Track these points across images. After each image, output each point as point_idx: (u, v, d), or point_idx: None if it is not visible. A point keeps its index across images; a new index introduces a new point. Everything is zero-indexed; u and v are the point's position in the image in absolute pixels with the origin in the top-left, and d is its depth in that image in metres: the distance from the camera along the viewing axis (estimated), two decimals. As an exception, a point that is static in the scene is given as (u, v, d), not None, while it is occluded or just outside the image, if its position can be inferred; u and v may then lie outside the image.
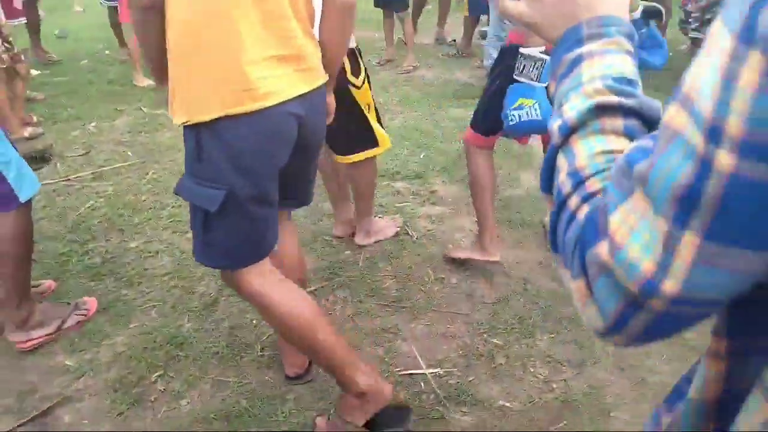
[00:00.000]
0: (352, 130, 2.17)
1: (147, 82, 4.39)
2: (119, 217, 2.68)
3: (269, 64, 1.24)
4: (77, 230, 2.58)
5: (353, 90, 2.14)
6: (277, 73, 1.25)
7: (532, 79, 1.81)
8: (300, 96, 1.29)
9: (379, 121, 2.28)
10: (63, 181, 3.06)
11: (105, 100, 4.19)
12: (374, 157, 2.29)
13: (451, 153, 3.23)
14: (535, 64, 1.79)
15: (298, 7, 1.29)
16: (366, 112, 2.18)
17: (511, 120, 1.88)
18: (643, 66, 1.97)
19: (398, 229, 2.55)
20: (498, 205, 2.72)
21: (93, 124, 3.80)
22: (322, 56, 1.38)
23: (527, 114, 1.84)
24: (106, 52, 5.44)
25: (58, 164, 3.23)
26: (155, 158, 3.29)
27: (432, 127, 3.62)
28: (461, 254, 2.27)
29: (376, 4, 4.77)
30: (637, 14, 1.83)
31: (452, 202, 2.79)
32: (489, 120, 2.05)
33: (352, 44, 2.07)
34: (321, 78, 1.38)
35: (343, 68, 2.07)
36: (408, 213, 2.69)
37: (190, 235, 2.49)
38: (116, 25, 5.21)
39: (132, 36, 4.27)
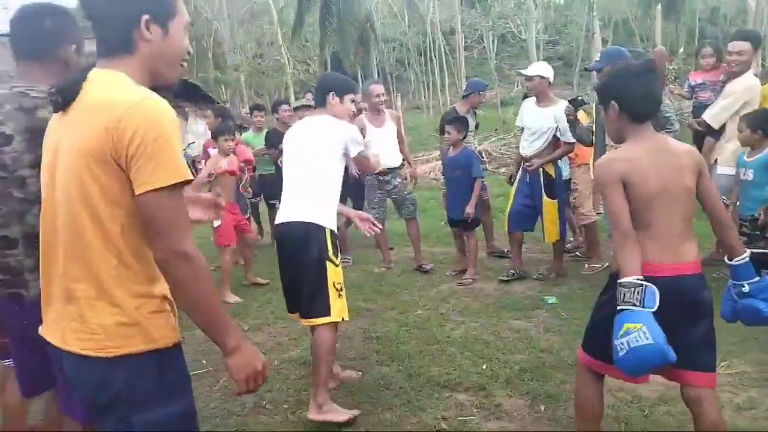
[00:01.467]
0: (314, 297, 2.68)
1: (234, 298, 4.71)
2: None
3: None
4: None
5: (330, 265, 2.68)
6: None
7: (635, 305, 1.77)
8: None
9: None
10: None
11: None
12: (332, 326, 2.71)
13: (514, 365, 3.21)
14: (635, 289, 1.79)
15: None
16: (331, 287, 2.67)
17: (621, 350, 1.76)
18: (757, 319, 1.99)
19: (350, 417, 2.65)
20: (567, 421, 2.62)
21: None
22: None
23: (636, 339, 1.72)
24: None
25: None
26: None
27: (493, 338, 3.66)
28: None
29: (450, 224, 5.28)
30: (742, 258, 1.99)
31: (519, 417, 2.70)
32: (597, 343, 2.03)
33: (329, 224, 2.72)
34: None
35: (327, 247, 2.68)
36: (473, 428, 2.62)
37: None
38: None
39: (226, 256, 4.82)
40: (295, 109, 6.26)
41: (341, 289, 2.72)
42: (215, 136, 5.11)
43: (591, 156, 4.58)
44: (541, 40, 25.74)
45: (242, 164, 5.23)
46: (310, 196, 2.77)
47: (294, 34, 22.40)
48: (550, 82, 4.70)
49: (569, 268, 5.04)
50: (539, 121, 4.65)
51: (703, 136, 4.48)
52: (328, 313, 2.67)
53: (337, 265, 2.72)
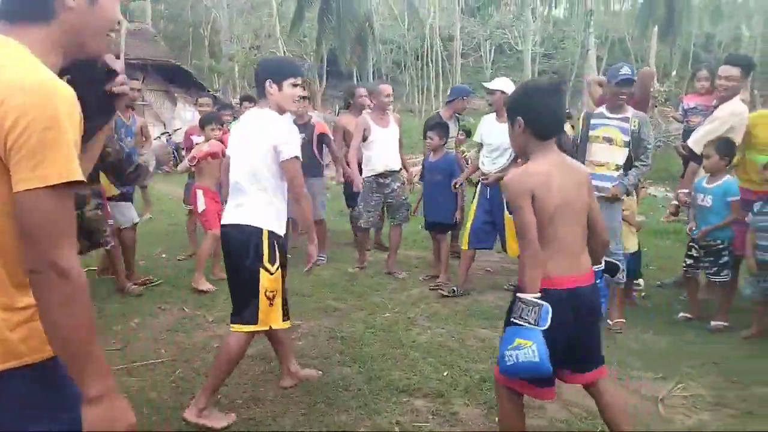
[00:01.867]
0: (244, 304, 2.61)
1: (207, 286, 4.64)
2: (138, 415, 2.69)
3: None
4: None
5: (264, 273, 2.59)
6: None
7: (529, 323, 1.90)
8: None
9: (285, 308, 2.72)
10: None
11: (152, 298, 4.47)
12: (248, 336, 2.67)
13: (475, 374, 3.20)
14: (533, 308, 1.90)
15: None
16: (263, 295, 2.59)
17: (508, 360, 1.91)
18: None
19: (228, 423, 2.63)
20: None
21: (136, 320, 4.02)
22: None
23: (524, 354, 1.87)
24: (163, 255, 5.94)
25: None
26: (185, 358, 3.39)
27: (458, 345, 3.65)
28: None
29: (428, 228, 5.28)
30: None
31: (473, 426, 2.69)
32: None
33: (267, 226, 2.61)
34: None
35: (261, 252, 2.57)
36: (426, 434, 2.60)
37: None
38: (192, 230, 5.84)
39: (207, 242, 4.76)
40: (242, 100, 6.25)
41: (273, 297, 2.63)
42: (202, 125, 5.03)
43: None
44: (537, 53, 25.94)
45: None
46: (246, 198, 2.67)
47: (292, 28, 22.33)
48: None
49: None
50: (501, 137, 4.45)
51: (687, 160, 4.52)
52: (255, 321, 2.62)
53: (272, 273, 2.62)
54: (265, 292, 2.60)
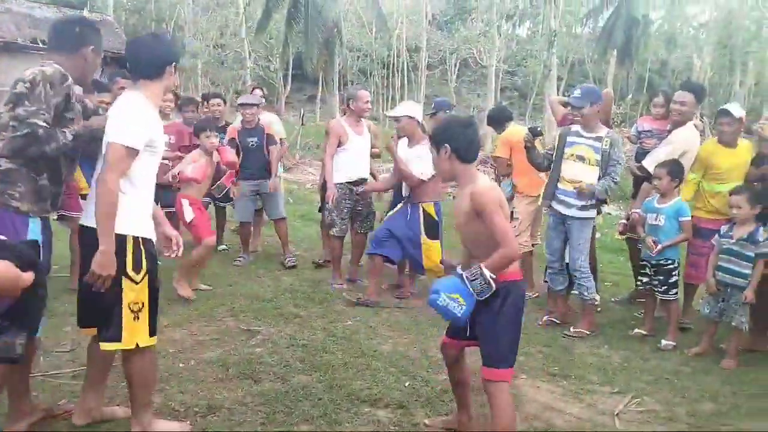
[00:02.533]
0: (107, 318, 2.32)
1: (187, 291, 4.44)
2: (86, 423, 2.57)
3: None
4: (39, 432, 2.46)
5: (127, 282, 2.30)
6: None
7: (474, 291, 2.25)
8: None
9: (152, 321, 2.43)
10: (40, 375, 3.01)
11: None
12: (140, 350, 2.38)
13: (437, 384, 3.20)
14: (485, 284, 2.24)
15: None
16: (126, 308, 2.31)
17: (440, 301, 2.26)
18: None
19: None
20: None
21: (86, 321, 3.84)
22: None
23: (453, 307, 2.25)
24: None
25: (42, 358, 3.20)
26: (139, 362, 3.26)
27: (420, 355, 3.64)
28: None
29: None
30: None
31: (434, 437, 2.68)
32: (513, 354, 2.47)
33: (130, 231, 2.33)
34: None
35: (123, 259, 2.28)
36: (387, 446, 2.58)
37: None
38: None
39: (199, 252, 4.53)
40: (240, 105, 6.09)
41: (140, 311, 2.34)
42: (197, 133, 4.68)
43: (539, 187, 4.63)
44: (501, 70, 26.45)
45: (224, 167, 4.90)
46: None
47: (259, 29, 22.05)
48: (419, 122, 4.67)
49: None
50: (412, 162, 4.58)
51: (642, 180, 4.66)
52: (118, 339, 2.32)
53: (137, 282, 2.32)
54: (129, 305, 2.30)
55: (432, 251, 4.64)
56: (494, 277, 2.23)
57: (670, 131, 4.57)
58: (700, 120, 5.10)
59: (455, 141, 2.39)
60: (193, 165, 4.49)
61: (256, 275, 5.24)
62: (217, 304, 4.40)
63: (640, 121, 5.24)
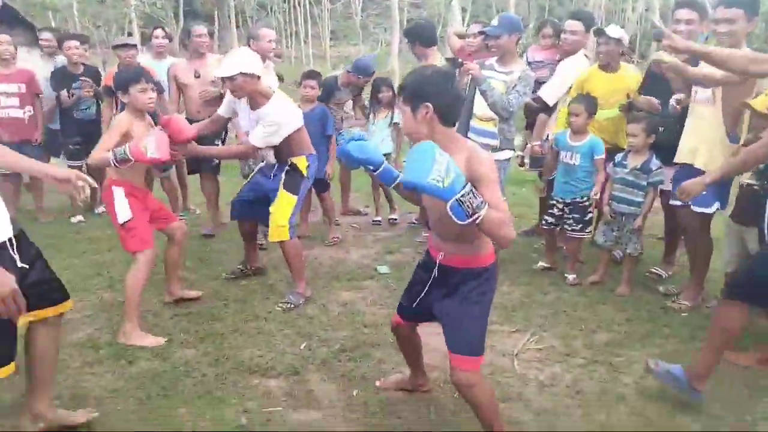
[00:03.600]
0: None
1: (146, 340, 3.03)
2: None
3: None
4: None
5: None
6: None
7: (465, 200, 1.77)
8: None
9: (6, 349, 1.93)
10: None
11: None
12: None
13: (334, 343, 3.02)
14: (476, 202, 1.79)
15: None
16: None
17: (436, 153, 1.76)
18: None
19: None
20: (378, 407, 2.48)
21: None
22: None
23: (437, 170, 1.73)
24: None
25: None
26: None
27: (318, 311, 3.44)
28: None
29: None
30: None
31: (329, 404, 2.50)
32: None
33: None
34: None
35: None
36: (276, 421, 2.37)
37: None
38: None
39: (138, 273, 3.11)
40: (114, 47, 5.39)
41: None
42: (121, 87, 3.11)
43: None
44: (406, 3, 25.79)
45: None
46: None
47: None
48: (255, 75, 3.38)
49: (406, 234, 5.00)
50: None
51: (536, 112, 4.57)
52: None
53: None
54: None
55: (284, 205, 3.56)
56: (482, 214, 1.76)
57: (560, 60, 4.46)
58: (629, 57, 4.98)
59: (438, 98, 1.92)
60: (152, 138, 2.97)
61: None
62: (92, 274, 3.95)
63: (530, 52, 5.11)
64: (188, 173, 5.31)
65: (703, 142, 3.36)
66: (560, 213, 4.04)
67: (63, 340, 2.95)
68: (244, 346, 2.97)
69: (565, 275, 3.98)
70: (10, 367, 1.97)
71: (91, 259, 4.27)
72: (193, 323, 3.22)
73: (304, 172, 3.64)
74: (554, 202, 4.06)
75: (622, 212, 3.82)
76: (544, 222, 4.18)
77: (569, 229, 4.01)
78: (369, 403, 2.51)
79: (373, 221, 5.38)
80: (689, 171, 3.30)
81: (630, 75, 4.18)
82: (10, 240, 1.91)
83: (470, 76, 3.99)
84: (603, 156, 3.87)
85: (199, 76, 4.73)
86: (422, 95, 1.93)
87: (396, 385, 2.62)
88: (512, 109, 3.87)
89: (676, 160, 3.51)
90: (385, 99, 5.11)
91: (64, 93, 5.08)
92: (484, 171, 1.88)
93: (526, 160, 4.99)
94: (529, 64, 4.79)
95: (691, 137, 3.45)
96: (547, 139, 4.51)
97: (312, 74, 4.82)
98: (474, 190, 1.78)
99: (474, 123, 4.04)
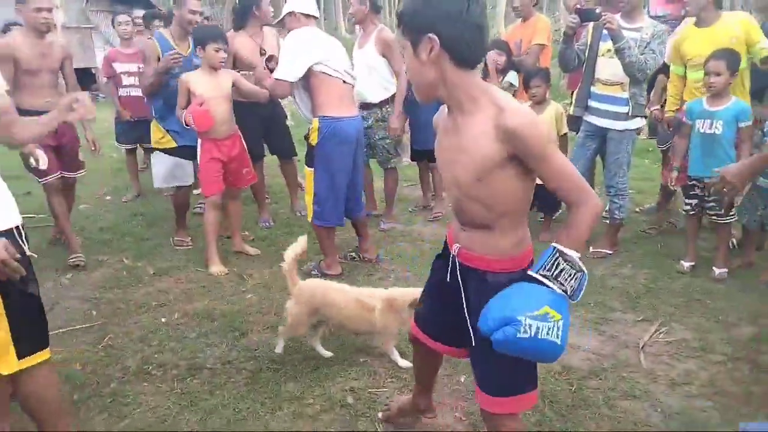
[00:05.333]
0: None
1: (219, 268, 3.64)
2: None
3: None
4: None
5: None
6: None
7: (566, 291, 1.37)
8: None
9: (26, 336, 1.70)
10: (11, 344, 2.79)
11: (89, 248, 4.04)
12: (28, 372, 1.70)
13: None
14: (576, 273, 1.38)
15: None
16: None
17: (524, 331, 1.31)
18: None
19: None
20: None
21: (68, 275, 3.62)
22: None
23: (548, 331, 1.31)
24: (108, 198, 5.45)
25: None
26: (119, 320, 3.03)
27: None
28: None
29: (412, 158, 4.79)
30: None
31: (434, 390, 2.41)
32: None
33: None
34: None
35: None
36: (382, 402, 2.32)
37: (126, 423, 2.16)
38: (133, 170, 5.31)
39: (209, 213, 3.70)
40: (146, 18, 5.34)
41: None
42: (202, 42, 3.49)
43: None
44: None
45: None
46: None
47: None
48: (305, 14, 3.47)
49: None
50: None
51: (656, 73, 4.11)
52: None
53: None
54: None
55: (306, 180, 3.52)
56: (579, 255, 1.38)
57: (684, 16, 3.93)
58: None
59: (448, 26, 1.35)
60: (195, 107, 3.47)
61: (251, 213, 4.91)
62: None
63: (651, 7, 4.57)
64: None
65: None
66: (702, 194, 3.48)
67: (182, 309, 3.13)
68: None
69: (713, 268, 3.45)
70: (47, 352, 1.78)
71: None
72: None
73: (313, 140, 3.32)
74: (693, 181, 3.50)
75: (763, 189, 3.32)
76: (687, 205, 3.60)
77: (712, 213, 3.47)
78: (471, 390, 2.39)
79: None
80: None
81: (734, 22, 3.50)
82: (17, 228, 1.73)
83: (588, 34, 3.63)
84: (749, 122, 3.30)
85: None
86: (424, 23, 1.36)
87: (400, 415, 2.15)
88: (649, 71, 3.50)
89: None
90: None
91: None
92: (537, 135, 1.34)
93: (644, 128, 4.51)
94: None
95: None
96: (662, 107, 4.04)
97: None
98: (552, 267, 1.36)
99: (597, 89, 3.68)
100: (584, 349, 2.69)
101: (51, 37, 3.63)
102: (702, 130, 3.40)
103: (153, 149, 4.08)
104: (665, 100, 3.98)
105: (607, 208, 3.83)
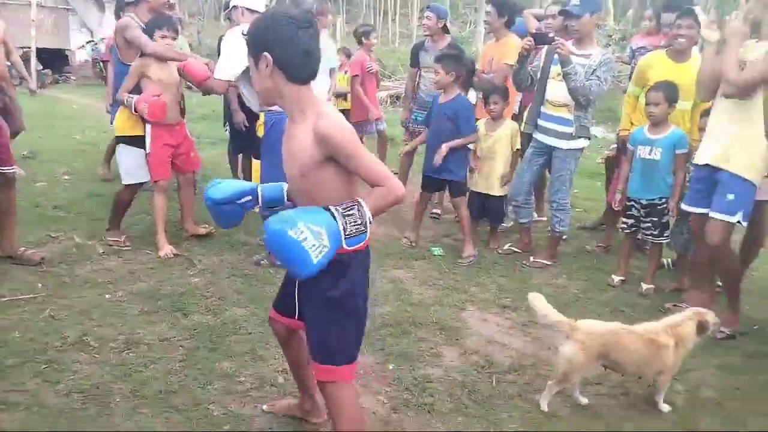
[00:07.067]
0: None
1: (167, 249, 3.72)
2: (-9, 359, 2.41)
3: None
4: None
5: None
6: None
7: (345, 230, 1.58)
8: None
9: None
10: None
11: (43, 224, 4.06)
12: None
13: (377, 318, 3.05)
14: (360, 225, 1.60)
15: None
16: None
17: (293, 232, 1.47)
18: None
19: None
20: (411, 383, 2.49)
21: (19, 249, 3.63)
22: None
23: (309, 248, 1.49)
24: (65, 177, 5.43)
25: (-39, 290, 3.01)
26: (63, 293, 3.08)
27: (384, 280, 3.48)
28: None
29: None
30: None
31: (363, 375, 2.53)
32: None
33: None
34: None
35: None
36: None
37: (58, 387, 2.22)
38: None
39: (158, 199, 3.77)
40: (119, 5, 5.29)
41: None
42: (151, 30, 3.68)
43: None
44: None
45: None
46: None
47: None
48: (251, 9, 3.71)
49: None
50: None
51: None
52: None
53: None
54: None
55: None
56: (371, 221, 1.62)
57: (664, 47, 4.19)
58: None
59: (279, 47, 1.60)
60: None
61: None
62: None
63: (634, 40, 4.85)
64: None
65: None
66: (638, 215, 3.68)
67: (126, 288, 3.19)
68: (290, 310, 3.06)
69: (641, 283, 3.67)
70: None
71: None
72: (246, 284, 3.35)
73: (260, 131, 3.62)
74: (632, 202, 3.71)
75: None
76: (624, 224, 3.80)
77: (647, 233, 3.67)
78: (402, 379, 2.53)
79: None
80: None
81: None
82: None
83: (541, 56, 3.84)
84: (686, 150, 3.54)
85: None
86: (259, 44, 1.63)
87: (284, 410, 2.24)
88: (592, 97, 3.70)
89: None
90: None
91: None
92: (343, 139, 1.60)
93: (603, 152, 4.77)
94: (633, 52, 4.57)
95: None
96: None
97: (443, 58, 4.10)
98: (346, 209, 1.58)
99: (546, 108, 3.89)
100: (508, 347, 2.86)
101: None
102: (642, 156, 3.63)
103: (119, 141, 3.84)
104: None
105: (550, 223, 4.05)
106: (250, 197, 1.91)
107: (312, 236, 1.49)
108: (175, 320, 2.88)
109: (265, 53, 1.61)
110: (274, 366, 2.55)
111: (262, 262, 3.63)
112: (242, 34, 3.34)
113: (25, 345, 2.55)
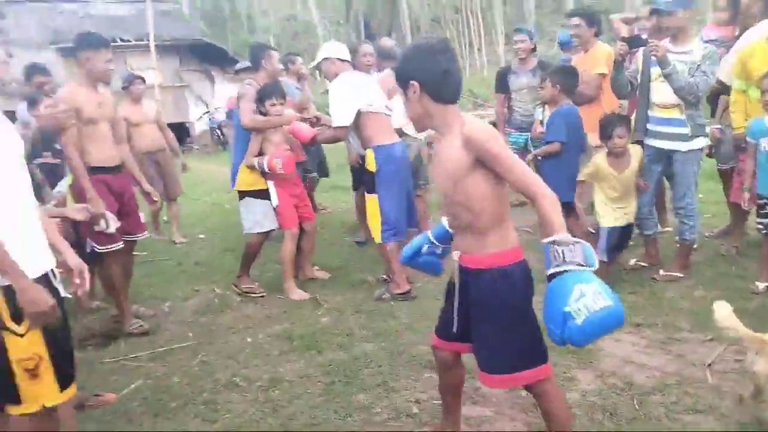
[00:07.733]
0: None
1: (299, 294, 3.98)
2: (157, 402, 2.70)
3: None
4: (116, 413, 2.62)
5: (9, 337, 1.75)
6: None
7: (580, 264, 1.61)
8: None
9: (62, 372, 1.86)
10: (121, 359, 3.20)
11: (187, 280, 4.50)
12: (36, 416, 1.82)
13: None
14: (573, 246, 1.63)
15: None
16: (17, 366, 1.77)
17: (578, 316, 1.55)
18: None
19: None
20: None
21: (168, 303, 4.05)
22: None
23: (595, 302, 1.54)
24: (201, 236, 5.99)
25: (123, 343, 3.41)
26: (210, 340, 3.38)
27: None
28: None
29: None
30: None
31: (495, 402, 2.53)
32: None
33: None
34: None
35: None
36: (445, 412, 2.46)
37: (216, 426, 2.44)
38: None
39: (287, 244, 4.01)
40: (237, 72, 5.95)
41: (36, 368, 1.80)
42: (262, 99, 3.96)
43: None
44: (583, -7, 24.36)
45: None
46: None
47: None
48: (344, 60, 3.95)
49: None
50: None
51: (718, 94, 4.08)
52: (17, 401, 1.81)
53: (22, 335, 1.76)
54: (19, 362, 1.78)
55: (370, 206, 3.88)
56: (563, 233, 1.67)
57: (737, 37, 3.90)
58: None
59: (423, 73, 1.79)
60: (279, 156, 3.89)
61: (327, 244, 5.25)
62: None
63: (704, 31, 4.55)
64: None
65: None
66: None
67: (265, 331, 3.44)
68: (417, 342, 3.13)
69: (756, 282, 3.42)
70: (73, 389, 1.95)
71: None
72: (372, 320, 3.48)
73: (371, 167, 3.74)
74: (763, 199, 3.44)
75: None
76: (759, 225, 3.51)
77: None
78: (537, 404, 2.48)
79: None
80: None
81: None
82: (52, 271, 1.88)
83: (637, 60, 3.71)
84: None
85: None
86: (406, 73, 1.84)
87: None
88: (700, 93, 3.52)
89: None
90: None
91: None
92: (491, 142, 1.73)
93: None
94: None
95: None
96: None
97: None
98: (554, 251, 1.62)
99: (654, 112, 3.73)
100: (649, 367, 2.72)
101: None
102: (767, 149, 3.36)
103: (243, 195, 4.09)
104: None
105: (678, 231, 3.82)
106: (427, 244, 2.13)
107: (584, 299, 1.57)
108: (311, 358, 3.06)
109: (412, 81, 1.81)
110: (405, 396, 2.61)
111: (383, 296, 3.76)
112: (342, 81, 3.74)
113: (183, 389, 2.84)
